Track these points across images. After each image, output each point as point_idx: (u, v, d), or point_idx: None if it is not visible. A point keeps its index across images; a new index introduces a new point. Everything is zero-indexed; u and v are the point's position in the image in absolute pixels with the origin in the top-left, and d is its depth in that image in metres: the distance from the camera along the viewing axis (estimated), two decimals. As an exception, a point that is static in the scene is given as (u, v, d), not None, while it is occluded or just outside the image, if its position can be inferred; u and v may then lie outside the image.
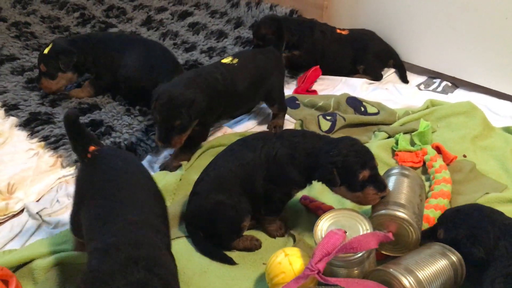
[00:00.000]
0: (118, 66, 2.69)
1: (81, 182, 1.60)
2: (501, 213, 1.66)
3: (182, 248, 1.85)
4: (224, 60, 2.36)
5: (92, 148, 1.58)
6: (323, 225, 1.60)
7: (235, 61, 2.34)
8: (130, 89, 2.68)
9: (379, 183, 1.68)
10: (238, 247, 1.83)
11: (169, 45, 3.37)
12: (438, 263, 1.54)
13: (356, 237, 1.48)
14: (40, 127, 2.46)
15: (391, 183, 1.79)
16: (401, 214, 1.64)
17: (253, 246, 1.84)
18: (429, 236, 1.71)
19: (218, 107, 2.27)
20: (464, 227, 1.63)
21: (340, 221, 1.59)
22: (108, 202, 1.43)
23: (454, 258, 1.57)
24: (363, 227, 1.56)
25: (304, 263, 1.57)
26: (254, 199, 1.82)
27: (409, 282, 1.45)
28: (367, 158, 1.68)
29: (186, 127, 2.09)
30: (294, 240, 1.88)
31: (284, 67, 2.60)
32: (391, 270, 1.48)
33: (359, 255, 1.50)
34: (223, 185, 1.80)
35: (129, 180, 1.53)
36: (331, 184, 1.70)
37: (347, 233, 1.51)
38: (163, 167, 2.27)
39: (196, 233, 1.86)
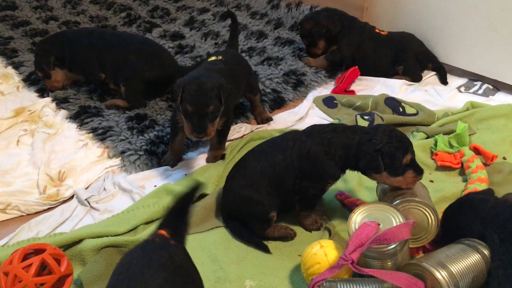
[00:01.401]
0: (111, 64, 2.74)
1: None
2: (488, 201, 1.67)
3: (221, 237, 1.93)
4: (211, 59, 2.44)
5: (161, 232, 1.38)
6: (357, 217, 1.64)
7: (220, 57, 2.42)
8: (135, 85, 2.71)
9: (417, 167, 1.77)
10: (273, 235, 1.90)
11: (210, 44, 3.48)
12: (471, 257, 1.55)
13: (389, 228, 1.52)
14: (89, 120, 2.60)
15: None
16: (417, 199, 1.71)
17: (288, 235, 1.90)
18: None
19: (236, 93, 2.33)
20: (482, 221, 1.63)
21: (373, 214, 1.63)
22: None
23: (486, 252, 1.58)
24: (396, 219, 1.59)
25: (338, 254, 1.61)
26: (285, 196, 1.89)
27: (442, 275, 1.47)
28: (407, 143, 1.76)
29: (217, 112, 2.09)
30: (330, 234, 1.92)
31: None
32: (424, 264, 1.51)
33: (393, 246, 1.53)
34: (252, 183, 1.88)
35: None
36: (375, 171, 1.75)
37: (380, 226, 1.55)
38: (207, 161, 2.37)
39: (233, 223, 1.94)
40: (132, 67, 2.69)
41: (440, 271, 1.48)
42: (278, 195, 1.88)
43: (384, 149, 1.72)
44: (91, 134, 2.52)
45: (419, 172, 1.77)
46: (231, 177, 1.97)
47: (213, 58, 2.43)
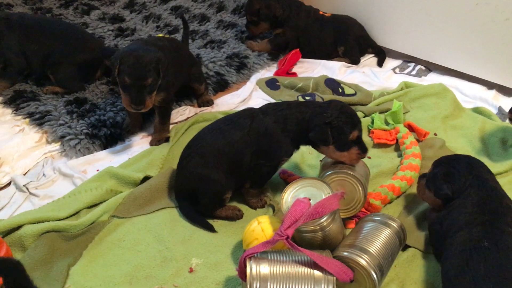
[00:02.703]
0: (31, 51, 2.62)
1: None
2: (486, 169, 1.80)
3: (166, 217, 1.94)
4: (159, 35, 2.44)
5: None
6: (288, 196, 1.68)
7: (167, 36, 2.42)
8: (65, 70, 2.65)
9: (362, 145, 1.84)
10: (220, 215, 1.93)
11: (152, 28, 3.42)
12: (384, 233, 1.66)
13: (318, 202, 1.58)
14: (25, 104, 2.51)
15: None
16: (347, 171, 1.81)
17: (235, 216, 1.94)
18: (424, 175, 1.90)
19: (176, 74, 2.35)
20: (445, 166, 1.80)
21: (303, 190, 1.67)
22: None
23: (395, 225, 1.71)
24: (325, 192, 1.65)
25: (275, 229, 1.66)
26: (239, 174, 1.92)
27: (365, 260, 1.54)
28: (356, 120, 1.83)
29: (155, 85, 2.11)
30: (273, 210, 1.98)
31: None
32: (345, 253, 1.56)
33: (324, 219, 1.59)
34: (209, 161, 1.89)
35: None
36: (323, 143, 1.81)
37: (311, 200, 1.61)
38: (151, 144, 2.36)
39: (183, 202, 1.95)
40: (59, 52, 2.61)
41: (362, 256, 1.55)
42: (234, 174, 1.90)
43: (334, 123, 1.78)
44: (27, 119, 2.44)
45: (363, 150, 1.83)
46: (186, 155, 1.96)
47: (161, 35, 2.42)
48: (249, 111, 1.96)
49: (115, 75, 2.08)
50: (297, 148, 1.92)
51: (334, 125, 1.78)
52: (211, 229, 1.88)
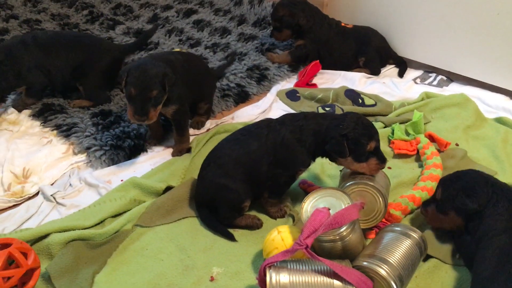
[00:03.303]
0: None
1: None
2: (494, 178, 1.82)
3: (188, 227, 1.97)
4: (176, 49, 2.50)
5: None
6: (308, 206, 1.70)
7: (184, 50, 2.46)
8: (93, 81, 2.70)
9: (381, 156, 1.85)
10: (240, 224, 1.96)
11: (174, 41, 3.50)
12: (404, 244, 1.65)
13: (338, 212, 1.59)
14: (53, 117, 2.59)
15: None
16: (367, 181, 1.81)
17: (254, 224, 1.96)
18: (429, 202, 1.88)
19: (186, 80, 2.38)
20: (460, 182, 1.79)
21: (323, 200, 1.69)
22: None
23: (416, 235, 1.70)
24: (344, 202, 1.66)
25: (294, 239, 1.68)
26: (257, 184, 1.95)
27: (385, 270, 1.54)
28: (373, 131, 1.84)
29: (160, 98, 2.15)
30: (293, 220, 2.00)
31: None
32: (365, 263, 1.57)
33: (343, 229, 1.60)
34: (228, 171, 1.93)
35: None
36: (340, 155, 1.82)
37: (330, 210, 1.62)
38: (173, 155, 2.41)
39: (204, 211, 1.99)
40: (85, 62, 2.67)
41: (382, 266, 1.55)
42: (252, 184, 1.93)
43: (350, 135, 1.79)
44: (55, 131, 2.52)
45: (382, 160, 1.84)
46: (206, 165, 2.00)
47: (177, 49, 2.47)
48: (267, 122, 1.99)
49: (122, 87, 2.15)
50: (313, 160, 1.94)
51: (351, 137, 1.79)
52: (231, 238, 1.91)
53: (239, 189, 1.91)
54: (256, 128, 1.98)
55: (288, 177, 1.95)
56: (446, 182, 1.84)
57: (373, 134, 1.83)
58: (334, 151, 1.83)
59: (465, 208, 1.74)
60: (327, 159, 1.91)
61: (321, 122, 1.87)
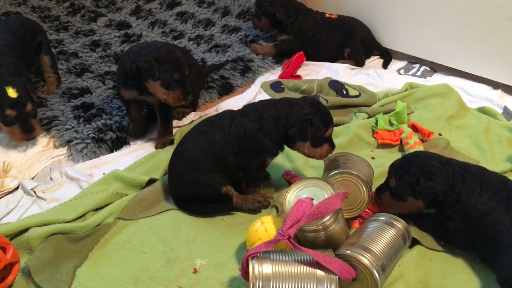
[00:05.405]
0: None
1: None
2: (440, 155, 1.85)
3: (171, 219, 1.95)
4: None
5: None
6: (291, 196, 1.69)
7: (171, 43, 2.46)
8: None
9: (332, 142, 1.92)
10: (242, 208, 1.98)
11: (158, 33, 3.46)
12: (388, 234, 1.65)
13: (321, 202, 1.58)
14: (33, 110, 2.54)
15: None
16: (351, 171, 1.82)
17: (256, 208, 1.98)
18: (383, 190, 1.87)
19: None
20: (414, 168, 1.78)
21: (306, 191, 1.68)
22: None
23: (400, 225, 1.70)
24: (328, 192, 1.66)
25: (278, 229, 1.66)
26: (228, 172, 1.95)
27: (367, 259, 1.54)
28: (331, 118, 1.89)
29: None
30: (277, 211, 1.99)
31: None
32: (348, 252, 1.56)
33: (326, 218, 1.60)
34: (195, 164, 1.92)
35: None
36: (303, 140, 1.86)
37: (313, 200, 1.62)
38: (156, 147, 2.39)
39: (187, 205, 1.98)
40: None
41: (365, 255, 1.54)
42: (222, 172, 1.93)
43: (313, 120, 1.83)
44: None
45: (332, 146, 1.91)
46: (173, 164, 2.00)
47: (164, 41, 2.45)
48: (229, 113, 2.00)
49: (154, 77, 2.14)
50: (281, 149, 1.95)
51: (314, 122, 1.83)
52: (232, 208, 1.97)
53: (209, 180, 1.92)
54: (219, 118, 1.98)
55: (257, 164, 1.95)
56: (397, 170, 1.83)
57: (331, 121, 1.89)
58: (297, 136, 1.85)
59: (431, 192, 1.74)
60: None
61: (280, 108, 1.89)
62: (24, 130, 2.24)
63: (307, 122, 1.83)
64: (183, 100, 2.21)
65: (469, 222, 1.72)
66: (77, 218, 1.93)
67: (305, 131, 1.83)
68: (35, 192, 2.10)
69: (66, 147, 2.35)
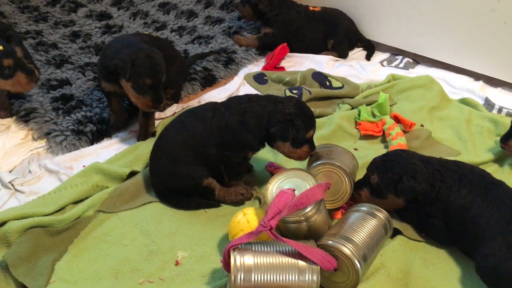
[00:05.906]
0: None
1: None
2: (419, 154, 1.86)
3: (153, 212, 1.93)
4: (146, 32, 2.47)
5: None
6: (273, 187, 1.68)
7: (154, 34, 2.41)
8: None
9: (312, 143, 1.89)
10: (225, 200, 1.96)
11: (139, 24, 3.41)
12: (369, 224, 1.65)
13: (303, 192, 1.58)
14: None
15: None
16: (334, 162, 1.81)
17: (239, 201, 1.96)
18: (362, 185, 1.86)
19: None
20: (397, 166, 1.78)
21: (288, 181, 1.67)
22: None
23: (382, 216, 1.71)
24: (310, 183, 1.65)
25: (260, 221, 1.65)
26: (210, 164, 1.93)
27: (349, 249, 1.53)
28: (314, 120, 1.88)
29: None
30: (260, 203, 1.98)
31: None
32: (330, 242, 1.56)
33: (308, 209, 1.59)
34: (176, 156, 1.90)
35: None
36: (283, 139, 1.84)
37: (295, 191, 1.61)
38: (138, 139, 2.35)
39: (170, 198, 1.95)
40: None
41: (347, 245, 1.54)
42: (204, 164, 1.91)
43: (296, 121, 1.81)
44: (13, 117, 2.42)
45: (312, 148, 1.89)
46: (154, 156, 1.97)
47: (147, 32, 2.41)
48: (211, 105, 1.98)
49: (126, 78, 2.09)
50: (262, 145, 1.93)
51: (296, 123, 1.81)
52: (215, 205, 1.95)
53: (191, 173, 1.90)
54: (201, 110, 1.96)
55: (239, 158, 1.93)
56: (380, 167, 1.82)
57: (313, 123, 1.87)
58: (278, 135, 1.83)
59: (413, 191, 1.74)
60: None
61: (264, 105, 1.87)
62: None
63: (289, 122, 1.81)
64: (152, 108, 2.15)
65: (450, 217, 1.73)
66: (56, 211, 1.90)
67: (286, 131, 1.82)
68: (13, 185, 2.06)
69: (45, 140, 2.31)
